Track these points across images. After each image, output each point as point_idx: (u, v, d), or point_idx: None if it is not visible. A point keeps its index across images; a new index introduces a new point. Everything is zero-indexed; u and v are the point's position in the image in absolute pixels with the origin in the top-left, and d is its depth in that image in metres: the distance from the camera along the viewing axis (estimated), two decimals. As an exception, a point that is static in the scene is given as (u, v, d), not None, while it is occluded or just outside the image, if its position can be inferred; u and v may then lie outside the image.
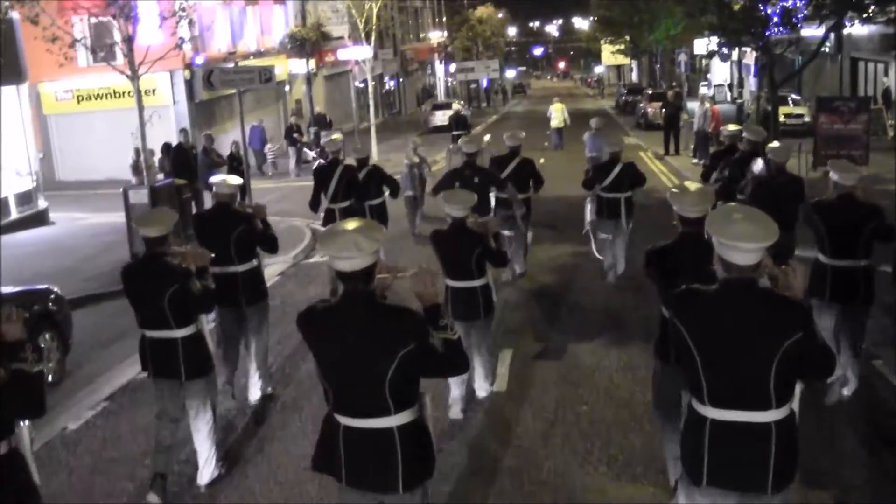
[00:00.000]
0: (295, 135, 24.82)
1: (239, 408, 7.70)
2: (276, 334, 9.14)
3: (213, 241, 7.12)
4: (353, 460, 3.95)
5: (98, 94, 25.24)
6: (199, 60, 25.44)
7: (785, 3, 16.88)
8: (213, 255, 6.34)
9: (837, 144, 18.63)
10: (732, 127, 11.43)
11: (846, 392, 7.05)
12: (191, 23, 14.07)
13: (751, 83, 37.50)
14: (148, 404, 7.20)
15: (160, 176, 17.47)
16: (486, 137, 13.31)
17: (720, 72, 48.52)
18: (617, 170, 10.99)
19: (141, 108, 14.15)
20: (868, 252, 6.78)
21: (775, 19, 17.28)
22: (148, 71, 14.01)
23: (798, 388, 3.88)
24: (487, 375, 7.59)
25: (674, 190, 5.52)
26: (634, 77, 70.29)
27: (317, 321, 3.97)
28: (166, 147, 18.25)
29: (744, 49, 26.14)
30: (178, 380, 5.98)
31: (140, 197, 13.97)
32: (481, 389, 7.57)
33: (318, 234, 4.06)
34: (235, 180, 7.65)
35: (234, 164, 18.00)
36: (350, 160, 11.42)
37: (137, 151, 20.40)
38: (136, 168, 19.43)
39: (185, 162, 16.34)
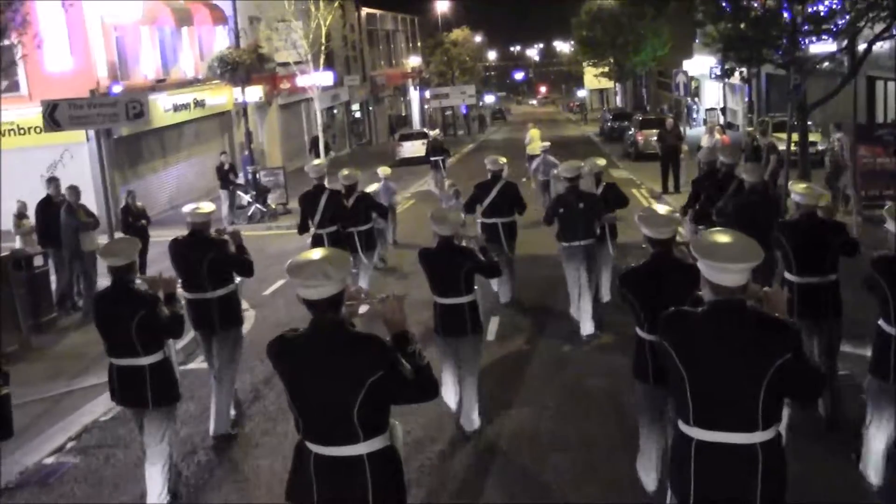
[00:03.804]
0: (229, 174, 21.09)
1: (200, 444, 7.56)
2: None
3: (186, 267, 7.46)
4: (325, 488, 3.95)
5: (-1, 130, 21.39)
6: (118, 90, 21.78)
7: (817, 8, 13.30)
8: (180, 280, 6.61)
9: (882, 182, 15.15)
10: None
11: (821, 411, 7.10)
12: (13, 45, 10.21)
13: (743, 106, 33.94)
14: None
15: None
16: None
17: (710, 94, 45.24)
18: (598, 192, 10.83)
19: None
20: (834, 267, 6.92)
21: (804, 28, 13.72)
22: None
23: (786, 411, 3.98)
24: (475, 407, 7.43)
25: (641, 213, 5.70)
26: (619, 101, 67.33)
27: (286, 350, 3.97)
28: (43, 203, 13.18)
29: (748, 69, 22.38)
30: (146, 407, 6.03)
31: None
32: (469, 424, 7.41)
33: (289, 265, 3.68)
34: (208, 207, 7.70)
35: (129, 219, 14.19)
36: (338, 186, 11.53)
37: (22, 206, 16.60)
38: (17, 227, 15.62)
39: (52, 221, 12.48)
